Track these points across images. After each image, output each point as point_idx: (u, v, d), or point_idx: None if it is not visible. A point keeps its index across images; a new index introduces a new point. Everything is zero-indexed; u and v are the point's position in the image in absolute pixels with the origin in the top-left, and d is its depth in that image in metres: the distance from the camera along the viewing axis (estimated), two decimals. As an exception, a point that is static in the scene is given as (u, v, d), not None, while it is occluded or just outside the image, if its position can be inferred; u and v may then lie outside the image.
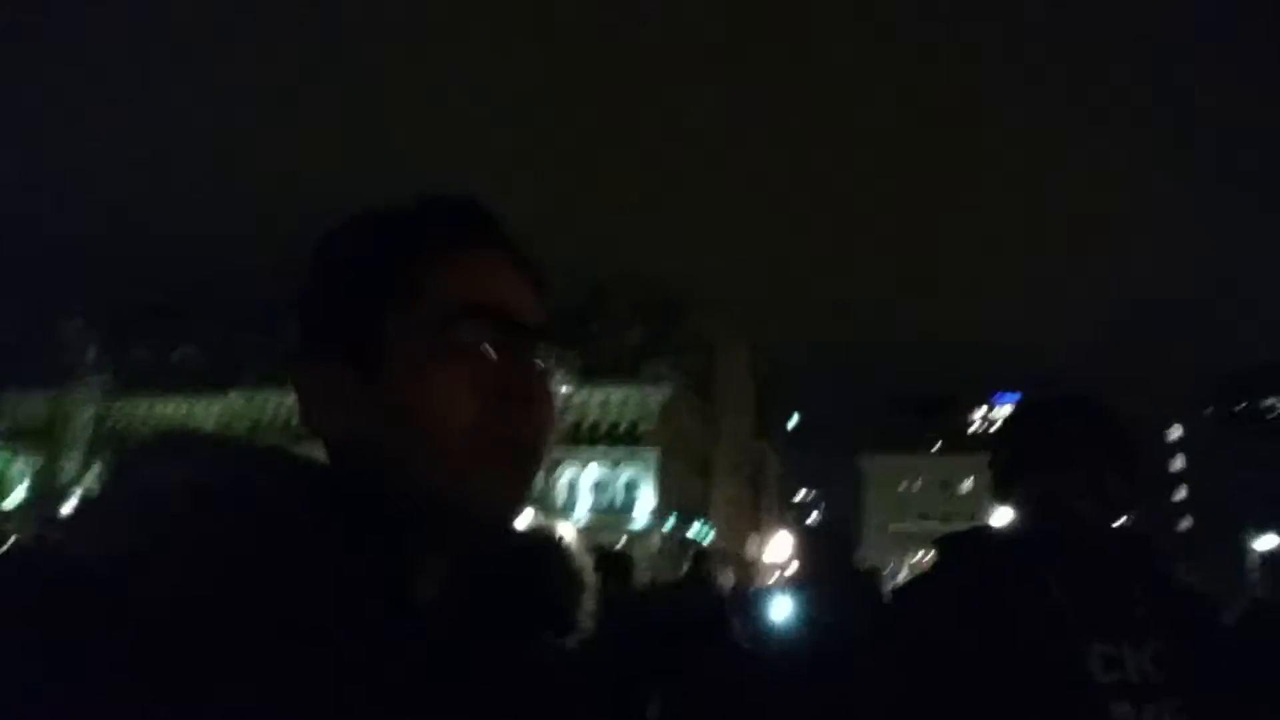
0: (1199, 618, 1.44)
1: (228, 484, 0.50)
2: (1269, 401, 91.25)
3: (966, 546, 1.54)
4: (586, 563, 0.69)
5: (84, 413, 49.92)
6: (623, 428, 46.87)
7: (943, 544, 1.58)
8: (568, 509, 45.08)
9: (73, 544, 0.49)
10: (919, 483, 58.56)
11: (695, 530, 47.21)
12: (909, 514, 56.42)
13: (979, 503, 49.13)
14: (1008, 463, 1.52)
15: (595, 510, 45.12)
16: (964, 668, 1.29)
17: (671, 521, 44.33)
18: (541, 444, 0.57)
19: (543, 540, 0.67)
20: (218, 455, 0.54)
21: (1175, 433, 66.70)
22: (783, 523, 45.85)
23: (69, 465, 47.70)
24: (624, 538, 41.71)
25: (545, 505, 44.88)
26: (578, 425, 46.97)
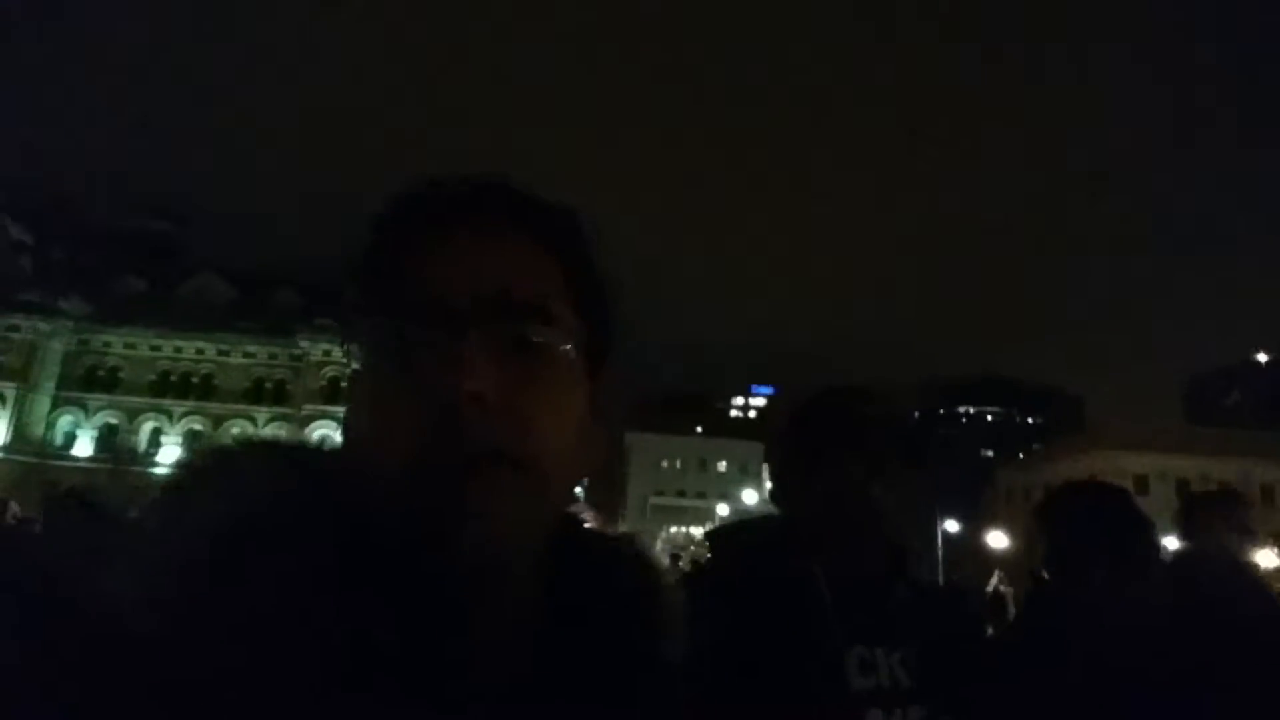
0: (954, 618, 1.45)
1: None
2: (963, 409, 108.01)
3: (735, 541, 1.50)
4: (665, 574, 0.58)
5: (54, 345, 43.59)
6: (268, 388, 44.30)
7: (714, 538, 1.55)
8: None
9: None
10: (679, 461, 61.78)
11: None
12: (668, 489, 59.47)
13: (733, 483, 53.23)
14: (784, 459, 1.46)
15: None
16: (731, 667, 1.19)
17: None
18: (516, 452, 0.46)
19: (607, 552, 0.57)
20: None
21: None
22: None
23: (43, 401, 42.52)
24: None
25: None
26: (335, 382, 43.90)
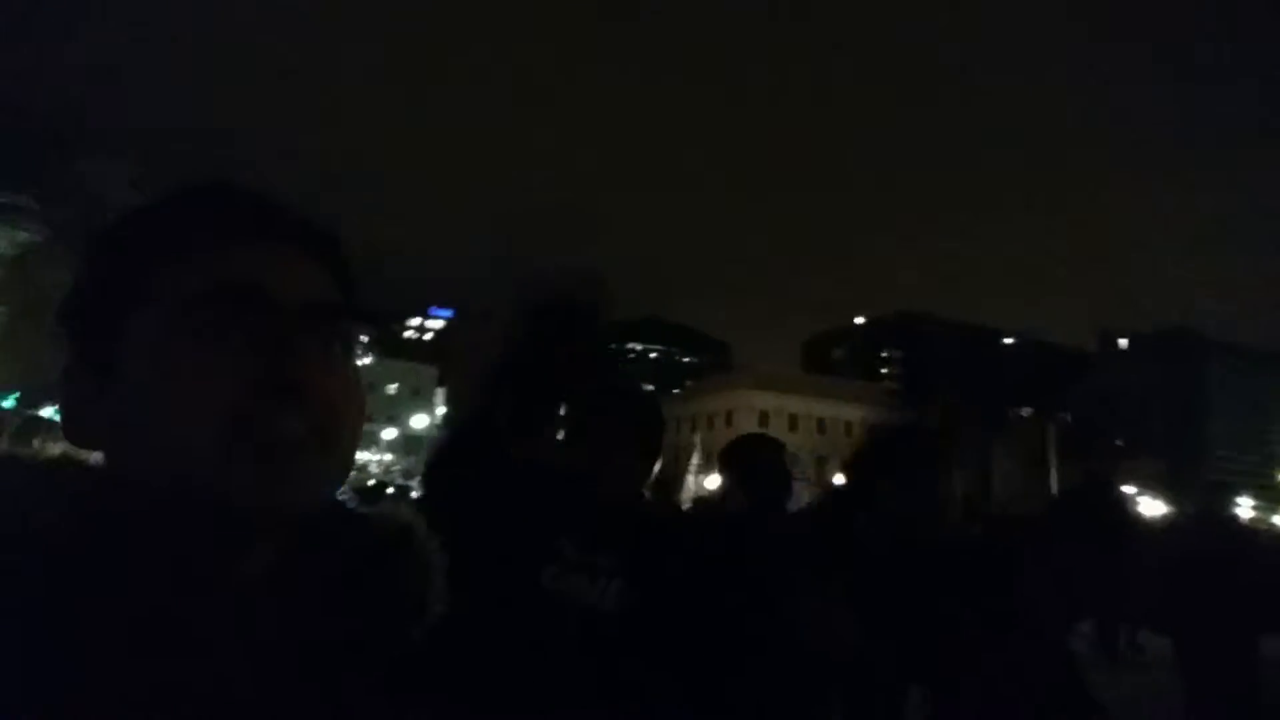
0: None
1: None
2: (632, 346, 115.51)
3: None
4: (436, 555, 0.64)
5: None
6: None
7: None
8: None
9: None
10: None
11: (50, 413, 38.02)
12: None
13: (403, 407, 50.93)
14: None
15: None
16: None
17: (12, 400, 34.59)
18: (324, 437, 0.51)
19: (384, 533, 0.62)
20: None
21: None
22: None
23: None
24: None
25: None
26: None
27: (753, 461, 2.33)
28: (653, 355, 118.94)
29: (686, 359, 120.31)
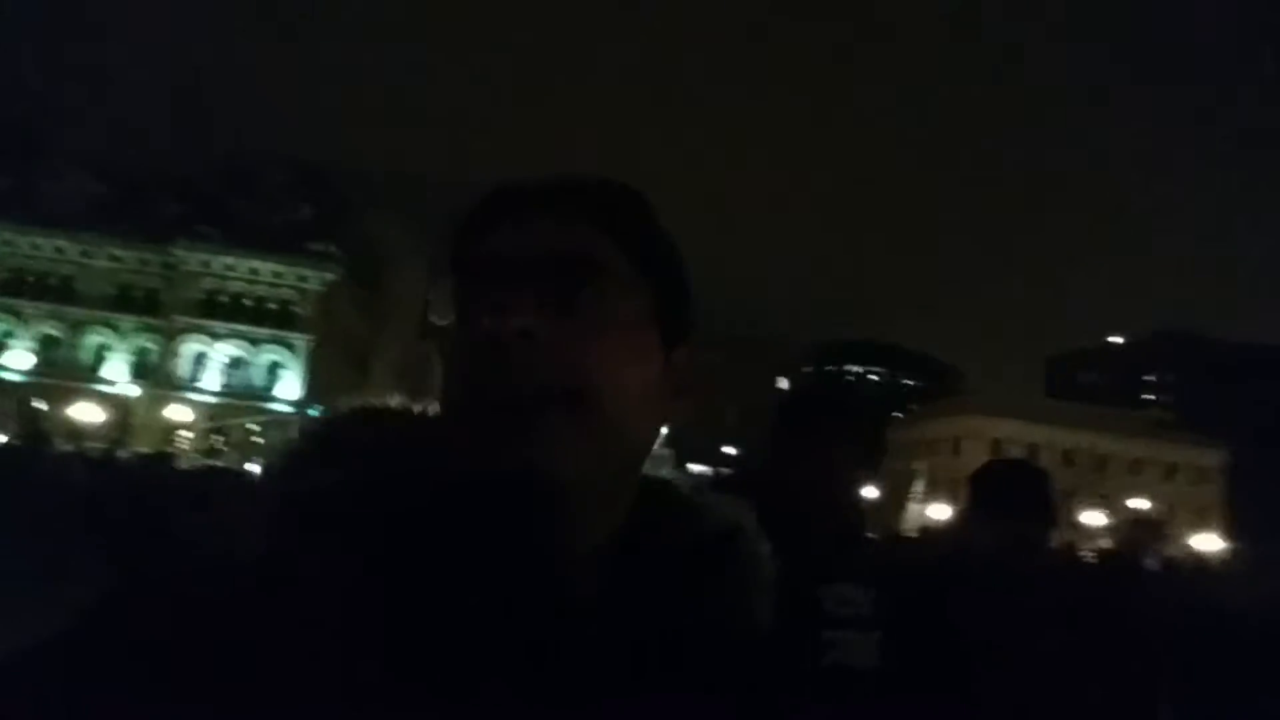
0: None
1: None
2: (852, 369, 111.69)
3: None
4: (766, 561, 0.58)
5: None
6: (272, 305, 42.04)
7: None
8: (191, 384, 39.70)
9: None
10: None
11: (342, 425, 44.67)
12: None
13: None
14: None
15: (227, 390, 40.24)
16: None
17: (317, 411, 41.22)
18: (568, 397, 0.48)
19: (715, 527, 0.57)
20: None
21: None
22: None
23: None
24: (257, 423, 38.27)
25: (161, 378, 39.30)
26: (213, 294, 41.43)
27: (1024, 490, 1.95)
28: (873, 379, 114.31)
29: (910, 382, 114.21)
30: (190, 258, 41.28)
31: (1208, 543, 25.10)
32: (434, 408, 0.54)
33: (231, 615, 0.42)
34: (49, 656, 0.41)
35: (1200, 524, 42.00)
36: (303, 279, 42.30)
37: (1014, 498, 1.90)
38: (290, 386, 41.08)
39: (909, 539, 12.54)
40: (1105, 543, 15.18)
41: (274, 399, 40.46)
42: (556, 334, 0.48)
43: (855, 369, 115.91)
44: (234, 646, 0.41)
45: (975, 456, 42.25)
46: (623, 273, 0.52)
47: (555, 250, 0.51)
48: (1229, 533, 37.01)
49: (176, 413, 37.03)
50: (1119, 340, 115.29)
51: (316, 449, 0.53)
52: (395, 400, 0.58)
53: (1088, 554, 8.11)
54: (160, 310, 41.40)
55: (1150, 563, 4.46)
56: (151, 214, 41.77)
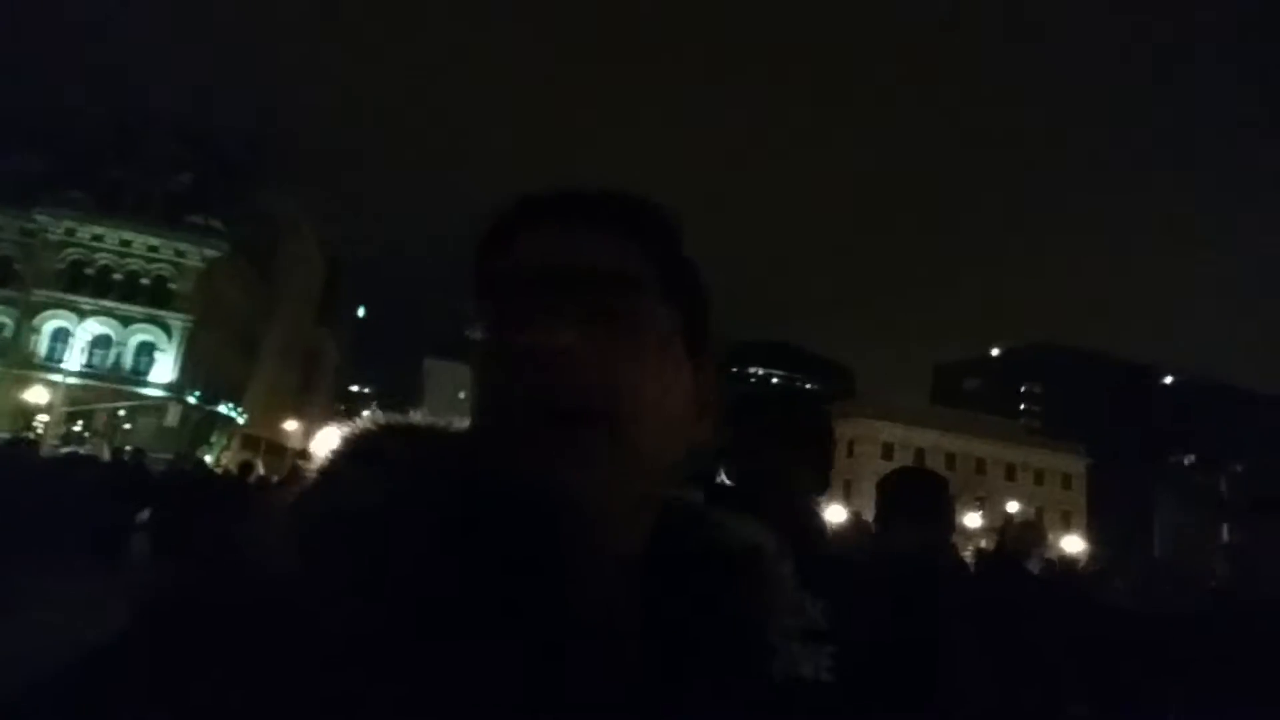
0: None
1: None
2: (753, 370, 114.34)
3: None
4: (786, 583, 0.58)
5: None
6: (145, 280, 38.85)
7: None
8: (50, 363, 36.30)
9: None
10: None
11: (226, 409, 42.17)
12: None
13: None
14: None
15: (91, 371, 37.01)
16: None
17: (194, 397, 38.66)
18: (591, 413, 0.48)
19: (735, 548, 0.58)
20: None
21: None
22: (332, 415, 43.42)
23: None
24: (125, 409, 35.43)
25: (16, 356, 35.79)
26: (79, 266, 37.85)
27: (928, 497, 2.11)
28: (774, 380, 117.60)
29: (809, 385, 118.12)
30: (53, 224, 37.67)
31: (1072, 544, 27.05)
32: (465, 421, 0.53)
33: (273, 631, 0.42)
34: (105, 669, 0.40)
35: (1065, 527, 45.25)
36: (181, 254, 39.24)
37: (924, 504, 2.08)
38: (164, 370, 38.19)
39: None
40: (983, 543, 16.10)
41: (145, 383, 37.53)
42: (598, 351, 0.48)
43: (757, 370, 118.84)
44: (275, 662, 0.40)
45: (867, 458, 44.30)
46: (658, 291, 0.53)
47: (597, 265, 0.51)
48: (1089, 535, 40.05)
49: (35, 394, 33.77)
50: (997, 352, 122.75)
51: (350, 464, 0.52)
52: (423, 416, 0.57)
53: (968, 554, 8.48)
54: (16, 281, 37.63)
55: (1032, 563, 4.68)
56: (10, 173, 37.83)
